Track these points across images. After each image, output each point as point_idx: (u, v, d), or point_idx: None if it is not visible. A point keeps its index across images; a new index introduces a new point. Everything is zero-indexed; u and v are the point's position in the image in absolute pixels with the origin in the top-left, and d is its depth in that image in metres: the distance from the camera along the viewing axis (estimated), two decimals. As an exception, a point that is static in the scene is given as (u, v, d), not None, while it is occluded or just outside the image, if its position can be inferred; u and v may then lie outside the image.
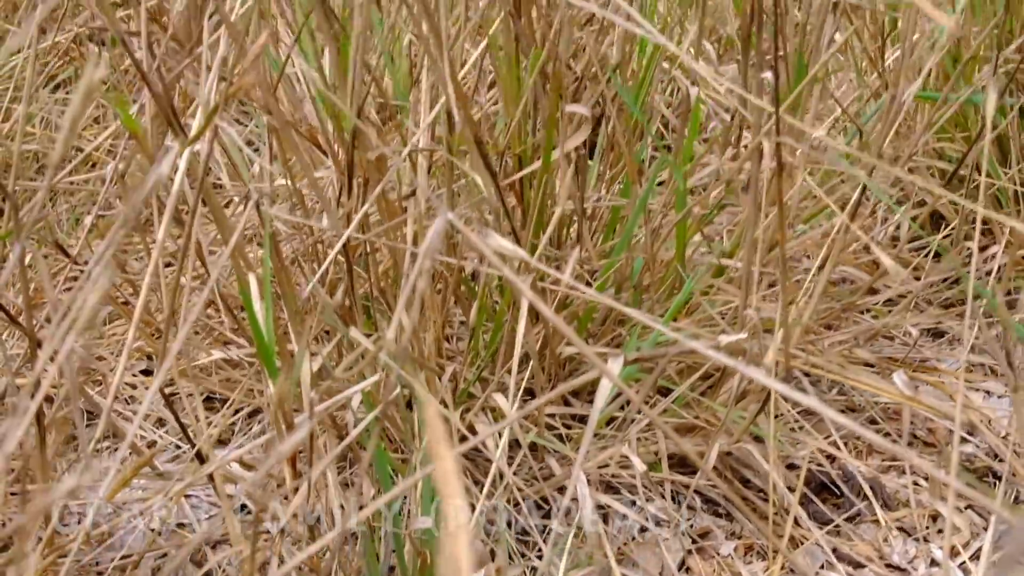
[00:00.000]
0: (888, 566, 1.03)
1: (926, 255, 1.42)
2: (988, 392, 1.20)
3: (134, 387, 1.37)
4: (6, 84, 1.62)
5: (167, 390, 1.28)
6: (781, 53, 1.19)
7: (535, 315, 1.14)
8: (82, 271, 1.39)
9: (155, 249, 0.77)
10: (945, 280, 1.41)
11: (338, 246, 0.99)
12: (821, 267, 1.17)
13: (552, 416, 1.16)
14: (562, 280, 1.06)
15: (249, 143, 1.78)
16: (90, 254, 1.54)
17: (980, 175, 1.38)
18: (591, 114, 1.21)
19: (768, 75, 0.93)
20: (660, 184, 1.54)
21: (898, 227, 1.44)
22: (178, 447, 1.26)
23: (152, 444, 1.27)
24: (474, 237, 0.67)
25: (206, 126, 0.81)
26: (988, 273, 1.35)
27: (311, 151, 1.28)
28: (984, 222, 1.44)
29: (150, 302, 1.34)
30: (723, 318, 1.22)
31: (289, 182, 1.19)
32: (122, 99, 0.93)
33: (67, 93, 1.75)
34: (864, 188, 1.20)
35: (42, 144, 1.55)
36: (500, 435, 1.10)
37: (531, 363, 1.09)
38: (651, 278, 1.17)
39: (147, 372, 1.43)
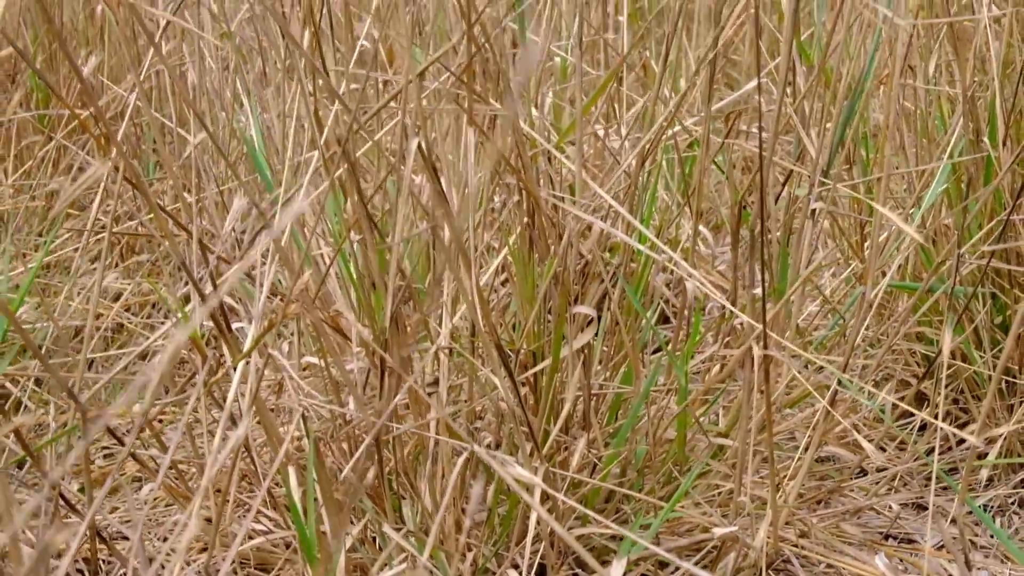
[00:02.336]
0: None
1: (911, 430, 1.52)
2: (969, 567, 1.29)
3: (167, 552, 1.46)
4: (50, 257, 1.73)
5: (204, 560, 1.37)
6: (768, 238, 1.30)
7: (545, 494, 1.24)
8: (119, 441, 1.49)
9: (208, 465, 0.87)
10: (929, 453, 1.50)
11: (369, 438, 1.09)
12: (807, 448, 1.27)
13: (561, 589, 1.25)
14: (569, 472, 1.17)
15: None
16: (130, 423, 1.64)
17: (959, 361, 1.48)
18: (598, 300, 1.32)
19: (756, 291, 1.04)
20: (659, 352, 1.65)
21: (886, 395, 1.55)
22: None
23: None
24: (498, 467, 0.77)
25: (257, 342, 0.92)
26: (963, 451, 1.45)
27: (337, 336, 1.39)
28: (962, 401, 1.55)
29: (186, 466, 1.44)
30: (718, 494, 1.32)
31: (320, 361, 1.30)
32: (187, 315, 1.04)
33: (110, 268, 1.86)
34: (847, 364, 1.30)
35: (82, 318, 1.66)
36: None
37: (543, 542, 1.19)
38: (652, 459, 1.27)
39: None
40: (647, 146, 1.30)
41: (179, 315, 1.12)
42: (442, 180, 1.18)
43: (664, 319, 1.94)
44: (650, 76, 2.01)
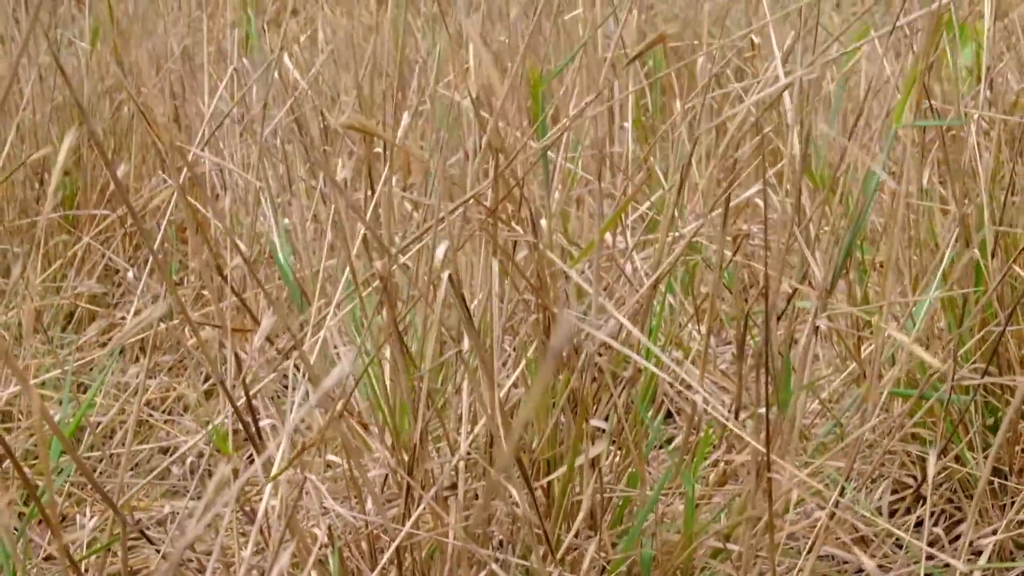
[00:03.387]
0: None
1: (908, 528, 1.57)
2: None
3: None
4: (79, 357, 1.80)
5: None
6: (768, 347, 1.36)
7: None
8: (148, 539, 1.54)
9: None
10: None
11: (395, 545, 1.15)
12: (809, 550, 1.33)
13: None
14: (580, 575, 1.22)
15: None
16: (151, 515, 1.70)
17: (953, 462, 1.55)
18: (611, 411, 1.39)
19: (761, 411, 1.11)
20: (665, 445, 1.71)
21: (880, 497, 1.61)
22: None
23: None
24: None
25: (290, 463, 0.98)
26: (954, 551, 1.51)
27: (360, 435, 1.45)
28: (957, 500, 1.61)
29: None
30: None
31: (344, 463, 1.36)
32: (219, 430, 1.10)
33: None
34: (849, 473, 1.37)
35: (109, 418, 1.72)
36: None
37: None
38: (658, 561, 1.33)
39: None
40: (660, 265, 1.36)
41: (207, 425, 1.18)
42: (464, 292, 1.25)
43: (668, 414, 2.01)
44: (654, 178, 2.08)
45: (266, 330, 1.25)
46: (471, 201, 1.11)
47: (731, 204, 1.82)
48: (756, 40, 2.24)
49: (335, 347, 1.41)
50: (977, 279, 1.55)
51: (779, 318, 1.32)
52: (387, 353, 1.25)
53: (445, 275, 0.99)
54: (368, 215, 1.24)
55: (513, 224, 1.16)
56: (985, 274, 1.54)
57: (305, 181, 1.64)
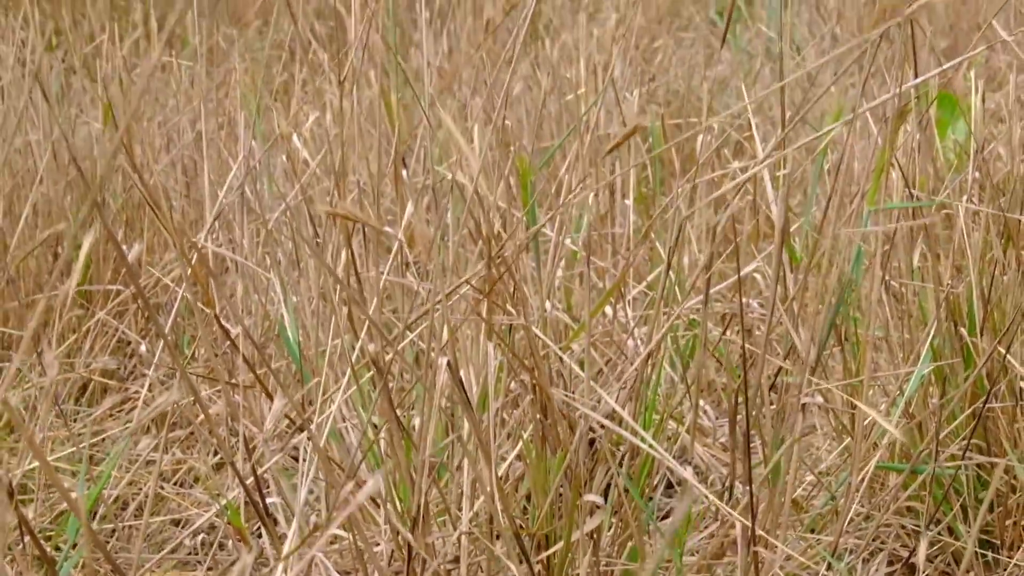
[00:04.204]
0: None
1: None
2: None
3: None
4: (93, 431, 1.84)
5: None
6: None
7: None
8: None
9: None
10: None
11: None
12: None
13: None
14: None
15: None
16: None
17: (945, 535, 1.58)
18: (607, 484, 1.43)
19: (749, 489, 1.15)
20: (665, 519, 1.75)
21: (877, 570, 1.64)
22: None
23: None
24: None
25: (302, 543, 1.02)
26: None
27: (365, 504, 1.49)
28: (952, 573, 1.64)
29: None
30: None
31: (348, 535, 1.40)
32: (233, 507, 1.14)
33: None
34: (836, 546, 1.40)
35: (121, 489, 1.76)
36: None
37: None
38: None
39: None
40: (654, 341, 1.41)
41: (219, 499, 1.22)
42: (460, 372, 1.29)
43: (669, 485, 2.04)
44: (655, 253, 2.13)
45: (277, 413, 1.29)
46: (465, 284, 1.15)
47: (727, 281, 1.87)
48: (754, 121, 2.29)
49: (343, 420, 1.46)
50: (966, 355, 1.59)
51: (771, 389, 1.36)
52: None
53: (443, 362, 1.03)
54: (373, 300, 1.28)
55: (508, 306, 1.21)
56: (974, 352, 1.58)
57: (314, 258, 1.69)
